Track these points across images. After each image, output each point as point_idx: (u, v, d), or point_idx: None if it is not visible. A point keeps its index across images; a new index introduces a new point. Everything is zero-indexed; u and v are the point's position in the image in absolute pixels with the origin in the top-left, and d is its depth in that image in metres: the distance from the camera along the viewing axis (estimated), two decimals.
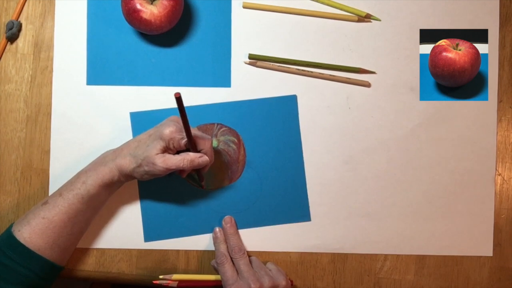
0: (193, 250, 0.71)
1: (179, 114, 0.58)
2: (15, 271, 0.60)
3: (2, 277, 0.60)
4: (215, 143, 0.71)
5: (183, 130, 0.61)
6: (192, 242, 0.71)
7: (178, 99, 0.55)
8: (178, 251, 0.71)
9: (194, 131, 0.64)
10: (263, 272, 0.65)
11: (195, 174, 0.70)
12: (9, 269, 0.60)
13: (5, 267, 0.60)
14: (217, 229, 0.70)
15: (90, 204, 0.64)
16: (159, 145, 0.62)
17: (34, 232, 0.61)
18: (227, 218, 0.70)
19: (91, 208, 0.65)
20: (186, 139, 0.62)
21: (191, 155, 0.63)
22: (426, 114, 0.72)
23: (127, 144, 0.65)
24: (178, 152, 0.64)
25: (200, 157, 0.63)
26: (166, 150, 0.63)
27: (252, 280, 0.63)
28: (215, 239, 0.69)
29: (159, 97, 0.71)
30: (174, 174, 0.70)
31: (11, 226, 0.63)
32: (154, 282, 0.68)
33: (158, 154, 0.62)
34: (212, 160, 0.66)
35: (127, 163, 0.63)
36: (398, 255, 0.72)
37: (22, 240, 0.61)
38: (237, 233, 0.70)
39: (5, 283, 0.59)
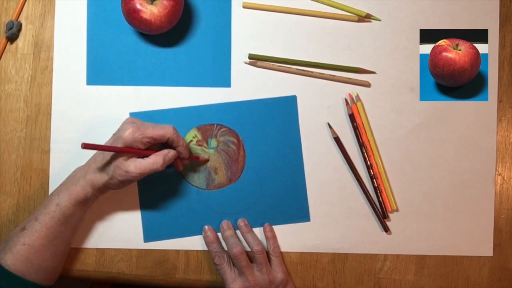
0: (193, 250, 0.71)
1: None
2: None
3: None
4: (214, 144, 0.71)
5: (142, 128, 0.61)
6: (192, 242, 0.71)
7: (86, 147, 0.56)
8: (178, 251, 0.71)
9: (150, 131, 0.62)
10: (261, 267, 0.66)
11: (195, 174, 0.70)
12: None
13: None
14: (206, 227, 0.70)
15: (68, 224, 0.64)
16: None
17: (17, 259, 0.60)
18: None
19: (70, 227, 0.64)
20: (146, 138, 0.61)
21: (159, 154, 0.63)
22: (426, 114, 0.72)
23: (93, 158, 0.64)
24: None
25: (167, 153, 0.63)
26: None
27: (250, 274, 0.65)
28: (205, 238, 0.69)
29: (159, 97, 0.71)
30: (173, 174, 0.70)
31: None
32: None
33: (127, 160, 0.61)
34: (184, 144, 0.64)
35: (98, 177, 0.62)
36: (398, 255, 0.72)
37: (6, 267, 0.60)
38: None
39: None
